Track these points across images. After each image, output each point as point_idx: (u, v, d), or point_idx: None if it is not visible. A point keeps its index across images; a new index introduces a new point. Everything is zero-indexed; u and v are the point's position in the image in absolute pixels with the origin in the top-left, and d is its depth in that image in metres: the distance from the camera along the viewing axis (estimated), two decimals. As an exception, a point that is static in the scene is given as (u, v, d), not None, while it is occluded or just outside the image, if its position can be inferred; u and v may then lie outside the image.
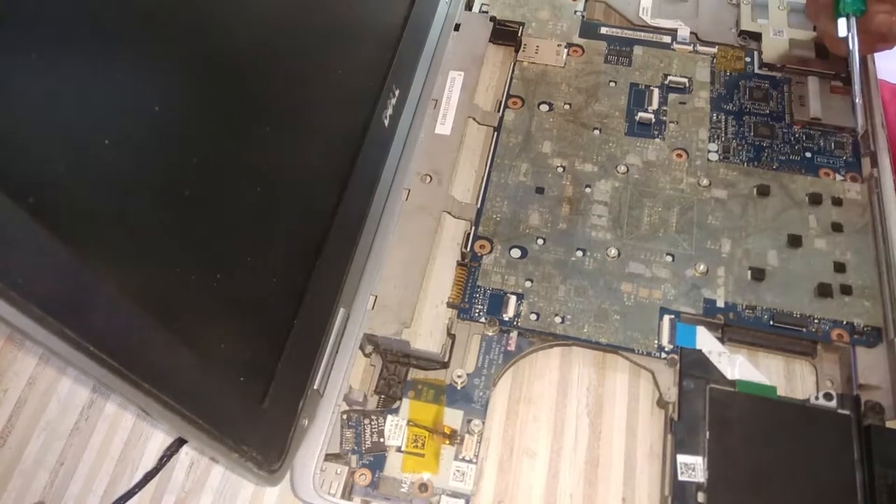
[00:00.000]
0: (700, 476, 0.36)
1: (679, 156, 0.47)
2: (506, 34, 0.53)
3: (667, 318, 0.41)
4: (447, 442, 0.37)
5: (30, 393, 0.41)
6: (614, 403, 0.40)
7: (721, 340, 0.40)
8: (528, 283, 0.42)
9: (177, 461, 0.39)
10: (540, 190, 0.46)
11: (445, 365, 0.40)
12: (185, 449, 0.39)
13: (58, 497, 0.38)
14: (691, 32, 0.53)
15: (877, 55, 0.50)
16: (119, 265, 0.25)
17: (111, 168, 0.24)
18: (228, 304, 0.30)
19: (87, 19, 0.23)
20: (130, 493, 0.37)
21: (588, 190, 0.46)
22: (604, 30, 0.54)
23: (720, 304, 0.41)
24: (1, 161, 0.20)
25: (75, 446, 0.40)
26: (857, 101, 0.46)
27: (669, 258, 0.43)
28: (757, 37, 0.53)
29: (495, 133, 0.48)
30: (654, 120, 0.48)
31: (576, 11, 0.54)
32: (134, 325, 0.25)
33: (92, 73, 0.23)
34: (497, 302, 0.42)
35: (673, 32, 0.53)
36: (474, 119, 0.49)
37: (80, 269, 0.22)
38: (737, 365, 0.39)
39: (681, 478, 0.36)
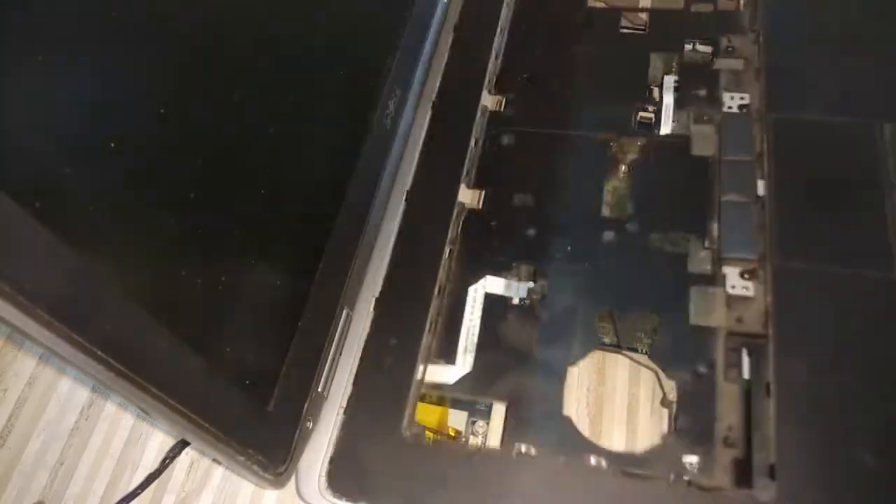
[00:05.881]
0: None
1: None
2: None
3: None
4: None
5: (29, 393, 0.41)
6: (614, 403, 0.40)
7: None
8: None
9: (177, 461, 0.38)
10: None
11: (448, 365, 0.40)
12: (185, 449, 0.38)
13: (58, 497, 0.38)
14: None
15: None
16: (125, 269, 0.25)
17: (116, 171, 0.24)
18: (233, 307, 0.30)
19: (91, 22, 0.23)
20: (132, 495, 0.37)
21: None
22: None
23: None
24: (7, 165, 0.20)
25: (75, 446, 0.40)
26: None
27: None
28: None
29: (495, 133, 0.48)
30: (653, 119, 0.48)
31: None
32: (140, 328, 0.25)
33: (97, 76, 0.23)
34: (499, 302, 0.42)
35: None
36: (474, 119, 0.49)
37: (86, 272, 0.22)
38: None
39: None
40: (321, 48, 0.37)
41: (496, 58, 0.49)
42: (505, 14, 0.51)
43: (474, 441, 0.38)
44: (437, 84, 0.49)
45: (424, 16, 0.50)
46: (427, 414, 0.38)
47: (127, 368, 0.23)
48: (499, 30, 0.50)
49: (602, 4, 0.54)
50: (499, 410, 0.38)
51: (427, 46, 0.50)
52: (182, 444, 0.37)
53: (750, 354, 0.36)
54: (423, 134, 0.46)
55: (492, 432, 0.38)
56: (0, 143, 0.20)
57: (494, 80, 0.49)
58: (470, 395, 0.38)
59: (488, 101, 0.48)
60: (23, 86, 0.21)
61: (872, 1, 0.46)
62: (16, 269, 0.20)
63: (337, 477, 0.35)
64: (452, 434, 0.38)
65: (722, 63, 0.47)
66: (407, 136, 0.46)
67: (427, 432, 0.37)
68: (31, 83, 0.21)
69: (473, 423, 0.38)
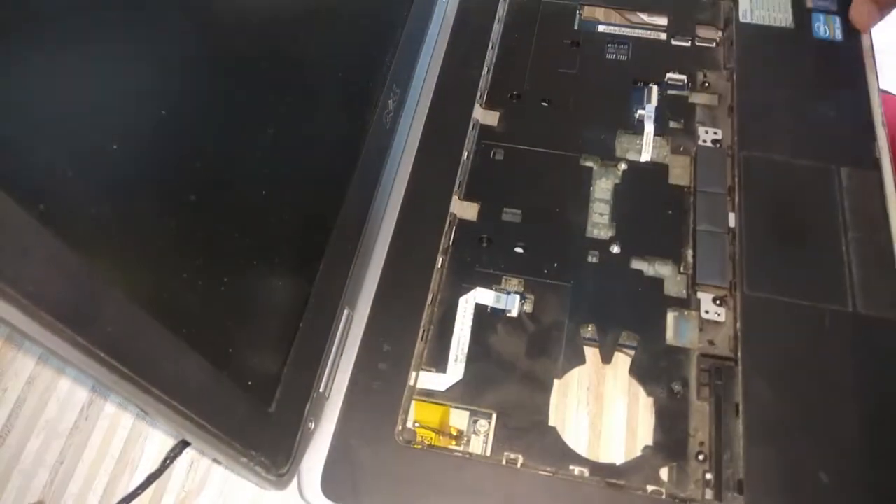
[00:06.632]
0: None
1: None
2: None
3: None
4: (454, 443, 0.37)
5: (29, 392, 0.41)
6: (614, 403, 0.40)
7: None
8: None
9: (177, 461, 0.38)
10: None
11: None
12: (185, 449, 0.38)
13: (57, 496, 0.38)
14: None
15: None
16: (127, 271, 0.25)
17: (119, 174, 0.24)
18: (235, 308, 0.30)
19: (93, 23, 0.23)
20: (132, 495, 0.37)
21: (589, 188, 0.46)
22: (601, 28, 0.53)
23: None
24: (11, 169, 0.20)
25: (75, 445, 0.39)
26: None
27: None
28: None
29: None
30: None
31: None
32: (142, 330, 0.25)
33: (99, 78, 0.23)
34: (499, 301, 0.42)
35: (671, 29, 0.53)
36: (474, 118, 0.49)
37: (88, 274, 0.22)
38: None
39: None
40: (321, 49, 0.37)
41: (487, 72, 0.50)
42: (496, 29, 0.52)
43: (476, 440, 0.38)
44: (434, 88, 0.49)
45: (424, 14, 0.50)
46: (429, 413, 0.38)
47: (129, 370, 0.23)
48: (490, 44, 0.51)
49: (594, 17, 0.54)
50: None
51: (426, 46, 0.50)
52: (182, 445, 0.37)
53: (721, 376, 0.38)
54: (420, 138, 0.47)
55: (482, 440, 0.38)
56: (3, 145, 0.20)
57: (486, 94, 0.49)
58: (460, 404, 0.38)
59: (480, 114, 0.48)
60: (25, 88, 0.21)
61: (834, 53, 0.48)
62: (19, 272, 0.20)
63: (330, 481, 0.36)
64: (454, 433, 0.38)
65: (697, 97, 0.48)
66: (407, 134, 0.46)
67: (425, 432, 0.38)
68: (34, 85, 0.21)
69: (475, 422, 0.38)
